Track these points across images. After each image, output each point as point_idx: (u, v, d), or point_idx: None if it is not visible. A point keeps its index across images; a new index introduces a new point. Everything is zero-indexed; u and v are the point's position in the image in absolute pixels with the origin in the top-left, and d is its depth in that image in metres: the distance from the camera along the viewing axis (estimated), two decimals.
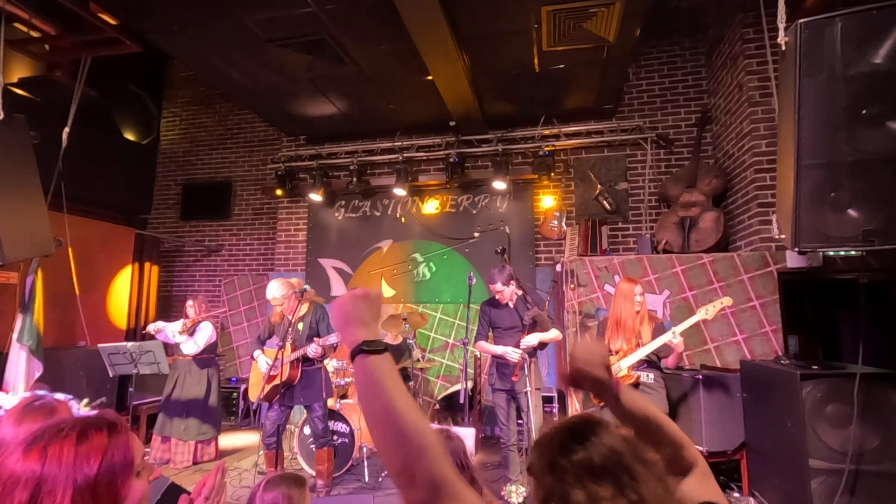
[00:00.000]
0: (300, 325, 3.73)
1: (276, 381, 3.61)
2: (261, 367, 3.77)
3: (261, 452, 3.83)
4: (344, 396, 4.76)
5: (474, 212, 6.00)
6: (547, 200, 5.83)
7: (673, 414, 3.32)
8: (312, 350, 3.57)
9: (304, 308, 3.80)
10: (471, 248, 5.90)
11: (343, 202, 6.41)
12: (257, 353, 3.82)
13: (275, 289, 3.70)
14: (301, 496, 1.68)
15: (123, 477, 0.80)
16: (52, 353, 4.62)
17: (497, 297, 3.58)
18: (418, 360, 4.64)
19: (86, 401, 1.25)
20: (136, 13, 4.04)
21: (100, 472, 0.77)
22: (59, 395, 1.26)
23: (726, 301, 3.18)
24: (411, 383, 4.52)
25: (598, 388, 1.04)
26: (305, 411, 3.87)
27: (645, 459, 0.77)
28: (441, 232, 6.05)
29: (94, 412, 1.10)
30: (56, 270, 4.80)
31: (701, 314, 3.14)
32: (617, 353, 3.19)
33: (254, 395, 3.79)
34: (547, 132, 5.76)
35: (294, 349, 3.66)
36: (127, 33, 4.47)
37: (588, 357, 1.03)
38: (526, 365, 3.37)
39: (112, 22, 4.36)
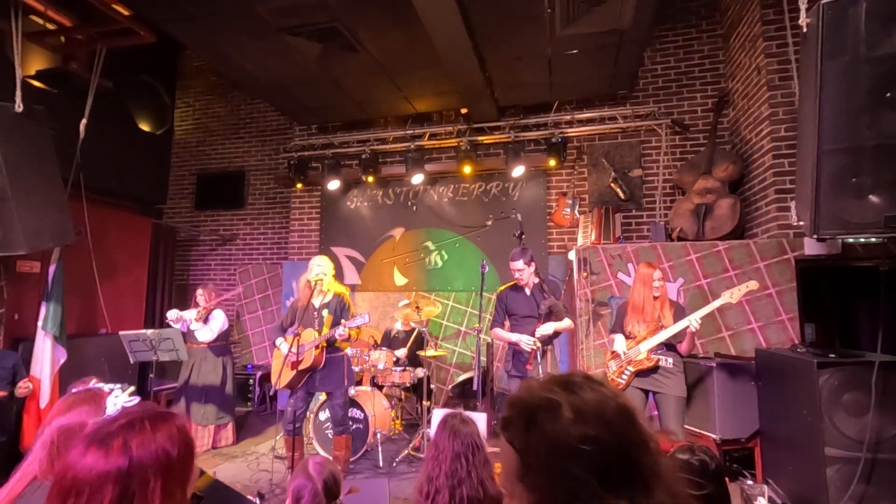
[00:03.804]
0: (325, 312, 3.78)
1: (302, 367, 3.64)
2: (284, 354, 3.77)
3: (278, 437, 3.91)
4: (359, 383, 4.82)
5: (486, 200, 5.98)
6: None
7: (688, 401, 3.32)
8: (340, 332, 3.59)
9: (328, 296, 3.85)
10: (483, 237, 5.89)
11: (355, 190, 6.43)
12: (280, 340, 3.81)
13: (319, 261, 3.83)
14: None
15: (192, 458, 0.87)
16: (75, 340, 4.73)
17: (516, 276, 3.56)
18: (431, 348, 4.67)
19: (131, 388, 1.28)
20: (149, 2, 4.06)
21: (179, 454, 0.83)
22: (107, 386, 1.30)
23: (752, 285, 3.07)
24: (424, 370, 4.55)
25: None
26: (324, 397, 3.91)
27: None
28: (453, 220, 6.05)
29: (137, 399, 1.13)
30: (76, 259, 4.91)
31: (725, 297, 3.07)
32: (634, 337, 3.19)
33: (277, 382, 3.82)
34: (560, 119, 5.71)
35: (319, 335, 3.69)
36: (140, 23, 4.50)
37: None
38: (541, 353, 3.38)
39: (125, 12, 4.39)
